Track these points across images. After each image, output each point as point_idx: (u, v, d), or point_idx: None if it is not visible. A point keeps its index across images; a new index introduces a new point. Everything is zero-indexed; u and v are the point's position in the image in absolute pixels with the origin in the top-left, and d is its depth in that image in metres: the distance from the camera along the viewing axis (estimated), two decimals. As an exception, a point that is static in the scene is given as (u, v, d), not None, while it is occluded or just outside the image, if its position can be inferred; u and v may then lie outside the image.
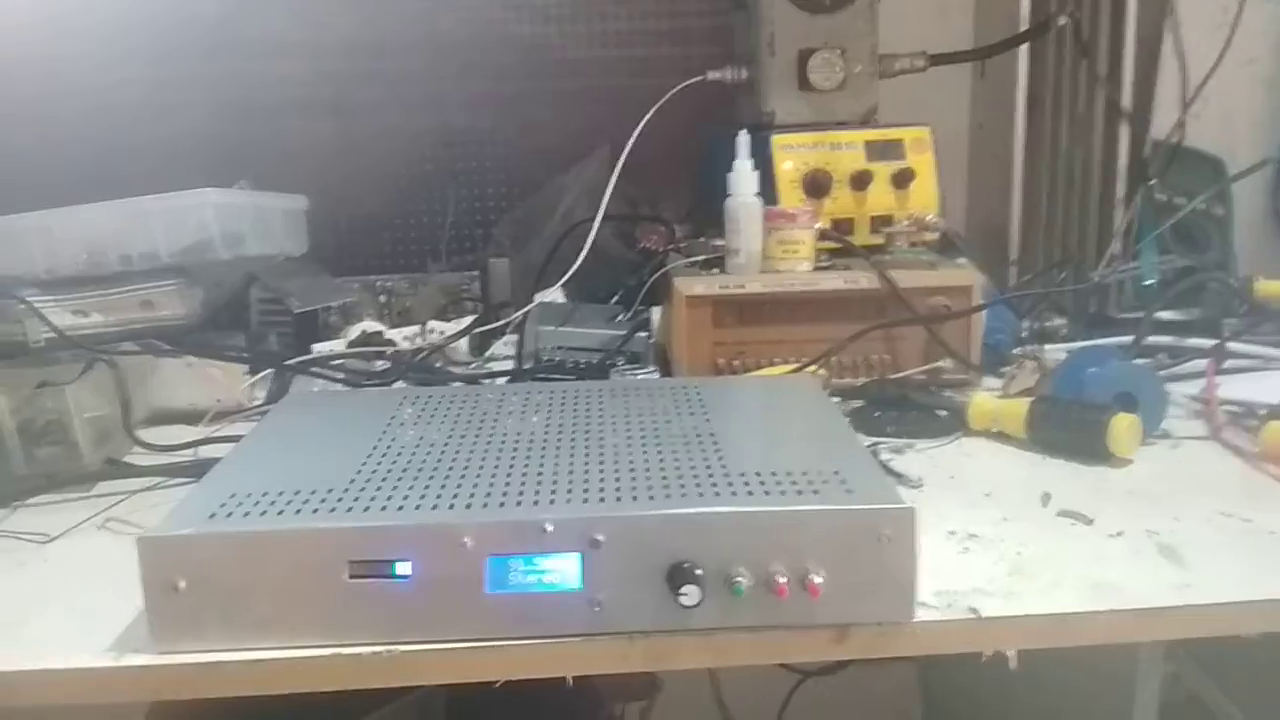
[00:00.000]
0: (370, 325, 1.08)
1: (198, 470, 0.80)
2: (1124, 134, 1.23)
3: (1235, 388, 0.93)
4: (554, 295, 1.11)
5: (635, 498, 0.58)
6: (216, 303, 1.04)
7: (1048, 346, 1.09)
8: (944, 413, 0.91)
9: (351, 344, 1.04)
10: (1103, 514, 0.70)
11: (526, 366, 1.02)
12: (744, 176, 0.99)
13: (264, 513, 0.58)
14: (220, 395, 0.96)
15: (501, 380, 1.02)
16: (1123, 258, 1.23)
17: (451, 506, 0.58)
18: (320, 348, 1.05)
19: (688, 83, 1.11)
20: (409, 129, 1.32)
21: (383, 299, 1.18)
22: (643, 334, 1.06)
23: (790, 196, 1.07)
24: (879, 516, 0.55)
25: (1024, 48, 1.22)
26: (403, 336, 1.08)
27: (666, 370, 1.02)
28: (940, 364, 0.98)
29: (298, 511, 0.57)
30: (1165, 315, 1.10)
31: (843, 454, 0.64)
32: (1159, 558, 0.64)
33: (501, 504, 0.58)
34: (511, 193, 1.31)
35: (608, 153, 1.18)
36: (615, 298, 1.12)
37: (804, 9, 1.10)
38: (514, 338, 1.09)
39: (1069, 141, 1.25)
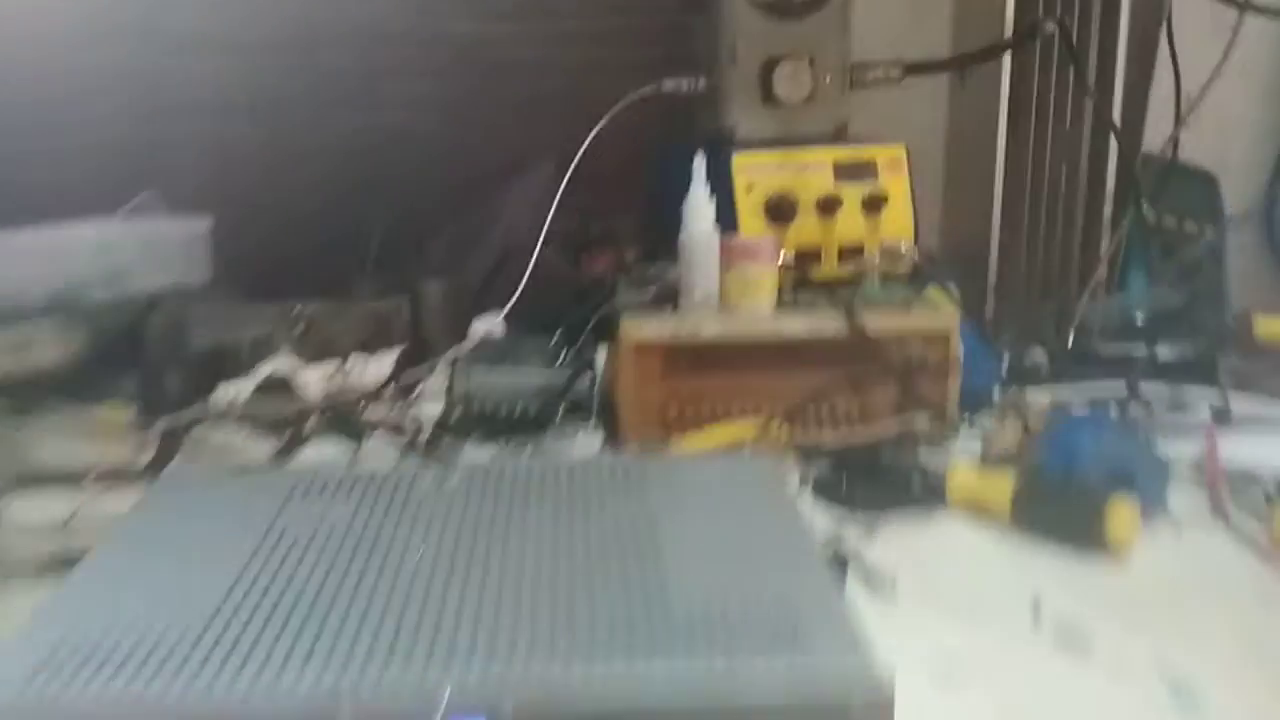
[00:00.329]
0: (281, 364, 0.96)
1: (66, 560, 0.68)
2: (1113, 150, 1.13)
3: (1238, 446, 0.84)
4: (493, 324, 1.01)
5: (555, 649, 0.48)
6: (103, 342, 0.92)
7: (1030, 390, 1.00)
8: (918, 475, 0.82)
9: (258, 389, 0.93)
10: (1102, 633, 0.61)
11: (455, 417, 0.91)
12: (699, 208, 0.89)
13: (97, 669, 0.47)
14: (104, 452, 0.85)
15: (427, 430, 0.91)
16: (1108, 286, 1.14)
17: (327, 662, 0.47)
18: (225, 391, 0.94)
19: (639, 93, 1.00)
20: (334, 133, 1.19)
21: (300, 328, 1.06)
22: (589, 373, 0.96)
23: (751, 223, 0.97)
24: (849, 691, 0.45)
25: (1007, 56, 1.12)
26: (317, 377, 0.96)
27: (611, 422, 0.91)
28: (912, 421, 0.89)
29: (135, 673, 0.46)
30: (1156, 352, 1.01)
31: (806, 589, 0.53)
32: (1171, 706, 0.55)
33: (389, 658, 0.47)
34: (446, 206, 1.19)
35: (553, 165, 1.06)
36: (558, 331, 1.01)
37: (769, 14, 0.99)
38: (446, 372, 0.98)
39: (1054, 157, 1.15)
